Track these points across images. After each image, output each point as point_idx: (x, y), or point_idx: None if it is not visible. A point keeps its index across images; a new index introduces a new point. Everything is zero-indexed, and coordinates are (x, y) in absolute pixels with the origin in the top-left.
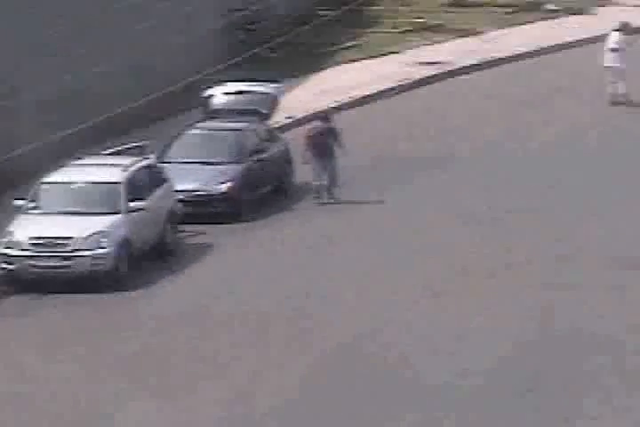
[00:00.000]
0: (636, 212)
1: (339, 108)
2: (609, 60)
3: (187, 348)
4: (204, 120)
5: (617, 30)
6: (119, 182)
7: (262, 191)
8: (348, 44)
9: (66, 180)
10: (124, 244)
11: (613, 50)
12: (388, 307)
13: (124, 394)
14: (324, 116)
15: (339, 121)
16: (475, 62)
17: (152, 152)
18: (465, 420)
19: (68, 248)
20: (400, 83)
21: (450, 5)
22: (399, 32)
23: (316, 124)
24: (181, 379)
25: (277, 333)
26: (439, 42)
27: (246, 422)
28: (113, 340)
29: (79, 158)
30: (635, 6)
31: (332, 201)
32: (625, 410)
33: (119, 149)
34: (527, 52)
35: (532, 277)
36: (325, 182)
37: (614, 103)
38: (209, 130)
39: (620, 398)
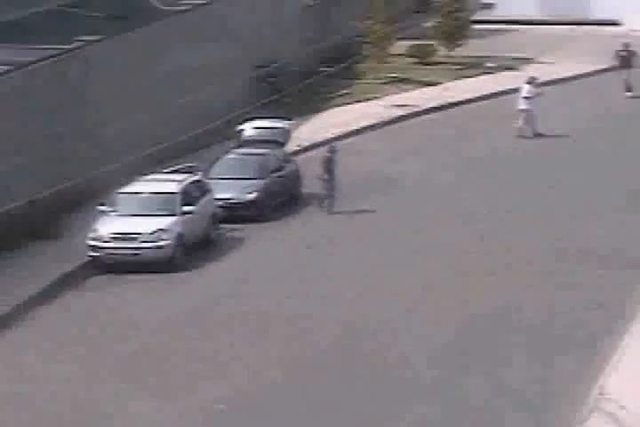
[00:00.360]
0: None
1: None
2: (521, 104)
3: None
4: (237, 147)
5: (528, 83)
6: (175, 193)
7: (280, 200)
8: (342, 92)
9: (136, 191)
10: (179, 238)
11: (525, 97)
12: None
13: None
14: (331, 147)
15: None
16: (434, 105)
17: (199, 170)
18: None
19: (138, 241)
20: (381, 120)
21: (416, 63)
22: (379, 83)
23: (326, 152)
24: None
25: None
26: (408, 90)
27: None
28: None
29: (146, 175)
30: (551, 63)
31: (331, 210)
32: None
33: (175, 168)
34: (472, 98)
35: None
36: (329, 194)
37: (520, 136)
38: (241, 154)
39: None
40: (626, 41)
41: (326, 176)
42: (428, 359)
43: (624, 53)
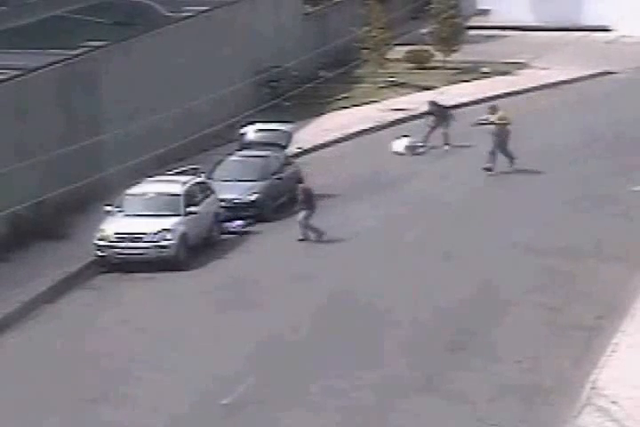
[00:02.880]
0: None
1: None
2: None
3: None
4: (239, 150)
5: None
6: (179, 194)
7: (280, 201)
8: (342, 96)
9: (142, 192)
10: (183, 237)
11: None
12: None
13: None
14: (299, 178)
15: (336, 151)
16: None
17: (202, 172)
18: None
19: (143, 240)
20: (378, 123)
21: (413, 68)
22: (377, 87)
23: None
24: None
25: None
26: (405, 94)
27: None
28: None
29: (151, 177)
30: (543, 69)
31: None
32: None
33: (179, 170)
34: (466, 102)
35: None
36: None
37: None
38: (243, 157)
39: None
40: (433, 99)
41: (306, 211)
42: None
43: (436, 109)
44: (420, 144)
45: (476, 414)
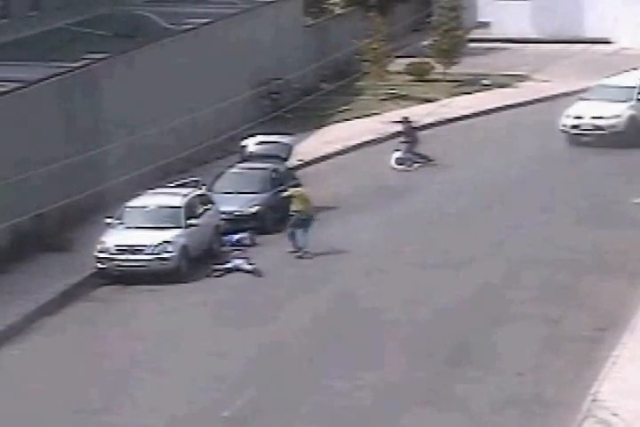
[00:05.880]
0: None
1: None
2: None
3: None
4: (240, 162)
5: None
6: (180, 206)
7: (281, 213)
8: (343, 108)
9: (142, 204)
10: (184, 249)
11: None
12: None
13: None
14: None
15: (337, 163)
16: (431, 121)
17: (203, 184)
18: None
19: (144, 253)
20: (379, 135)
21: (414, 81)
22: (378, 99)
23: None
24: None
25: None
26: (407, 106)
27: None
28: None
29: (152, 189)
30: (544, 81)
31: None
32: None
33: (180, 182)
34: (467, 115)
35: None
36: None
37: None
38: (244, 169)
39: None
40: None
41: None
42: None
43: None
44: (410, 158)
45: (474, 420)
